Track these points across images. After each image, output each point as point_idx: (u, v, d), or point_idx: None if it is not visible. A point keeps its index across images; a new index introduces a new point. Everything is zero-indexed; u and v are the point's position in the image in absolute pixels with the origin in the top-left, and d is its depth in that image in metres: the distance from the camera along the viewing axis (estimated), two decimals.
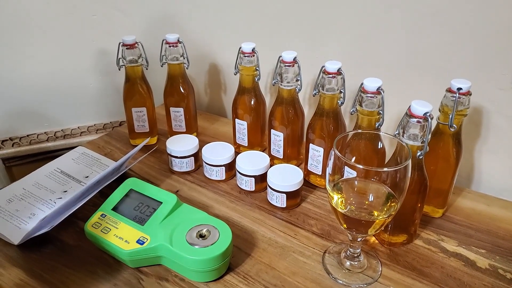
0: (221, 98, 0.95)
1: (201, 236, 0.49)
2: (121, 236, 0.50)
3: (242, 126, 0.74)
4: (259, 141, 0.77)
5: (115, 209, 0.54)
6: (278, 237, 0.57)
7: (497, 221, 0.59)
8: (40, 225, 0.51)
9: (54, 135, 0.96)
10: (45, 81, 0.90)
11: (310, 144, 0.65)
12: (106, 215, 0.53)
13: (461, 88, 0.51)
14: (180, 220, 0.52)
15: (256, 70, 0.70)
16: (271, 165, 0.65)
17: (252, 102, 0.72)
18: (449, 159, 0.56)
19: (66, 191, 0.63)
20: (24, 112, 0.92)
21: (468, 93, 0.52)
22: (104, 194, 0.59)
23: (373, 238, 0.56)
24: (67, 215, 0.52)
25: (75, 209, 0.54)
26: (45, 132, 0.95)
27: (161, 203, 0.53)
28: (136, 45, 0.71)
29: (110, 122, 0.99)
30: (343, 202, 0.47)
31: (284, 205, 0.61)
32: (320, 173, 0.66)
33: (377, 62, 0.70)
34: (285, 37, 0.78)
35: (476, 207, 0.62)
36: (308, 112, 0.80)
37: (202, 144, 0.71)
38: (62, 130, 0.96)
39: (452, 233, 0.57)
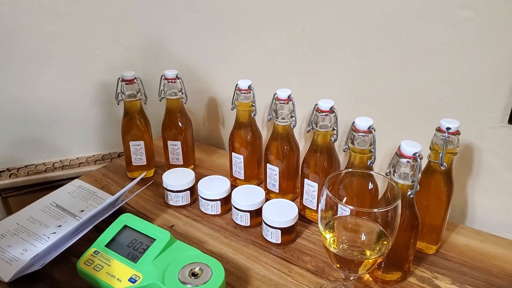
0: (219, 130, 0.96)
1: (194, 274, 0.49)
2: (113, 274, 0.50)
3: (238, 159, 0.75)
4: (255, 174, 0.77)
5: (108, 245, 0.54)
6: (272, 275, 0.56)
7: (491, 258, 0.59)
8: (31, 263, 0.51)
9: (53, 166, 0.96)
10: (45, 112, 0.92)
11: (305, 179, 0.65)
12: (99, 252, 0.53)
13: (450, 128, 0.52)
14: (173, 258, 0.52)
15: (252, 106, 0.71)
16: (267, 199, 0.66)
17: (249, 137, 0.73)
18: (440, 197, 0.56)
19: (60, 226, 0.63)
20: (23, 142, 0.93)
21: (457, 133, 0.53)
22: (99, 229, 0.59)
23: (367, 276, 0.56)
24: (60, 252, 0.52)
25: (68, 246, 0.54)
26: (43, 163, 0.96)
27: (155, 240, 0.54)
28: (135, 80, 0.73)
29: (109, 153, 1.00)
30: (335, 241, 0.47)
31: (279, 241, 0.61)
32: (315, 208, 0.66)
33: (370, 100, 0.71)
34: (281, 73, 0.80)
35: (470, 244, 0.62)
36: (304, 146, 0.81)
37: (199, 176, 0.72)
38: (60, 161, 0.97)
39: (446, 270, 0.57)
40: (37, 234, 0.61)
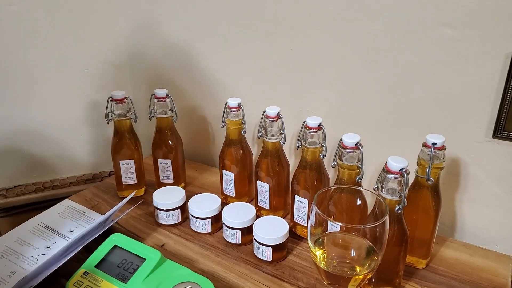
0: (210, 147, 0.97)
1: None
2: None
3: (229, 177, 0.75)
4: (246, 191, 0.78)
5: (98, 266, 0.54)
6: None
7: (480, 271, 0.60)
8: (19, 285, 0.50)
9: (42, 186, 0.95)
10: (34, 132, 0.91)
11: (295, 195, 0.66)
12: (88, 273, 0.53)
13: (435, 143, 0.53)
14: (163, 277, 0.51)
15: (242, 123, 0.72)
16: (258, 216, 0.66)
17: (239, 154, 0.74)
18: (428, 211, 0.57)
19: (49, 247, 0.63)
20: (12, 162, 0.92)
21: (443, 148, 0.54)
22: (89, 249, 0.58)
23: None
24: (48, 273, 0.51)
25: (57, 267, 0.53)
26: (33, 183, 0.95)
27: (145, 259, 0.53)
28: (125, 100, 0.73)
29: (100, 173, 1.00)
30: (325, 257, 0.47)
31: (270, 259, 0.61)
32: (306, 224, 0.66)
33: (358, 117, 0.72)
34: (270, 91, 0.81)
35: (460, 257, 0.63)
36: (294, 163, 0.81)
37: (189, 194, 0.72)
38: (50, 180, 0.96)
39: (436, 284, 0.57)
40: (26, 256, 0.60)
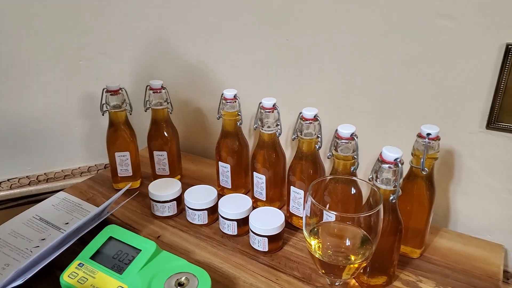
0: (206, 139, 0.96)
1: (180, 284, 0.49)
2: (98, 286, 0.50)
3: (225, 169, 0.75)
4: (243, 183, 0.78)
5: (93, 257, 0.54)
6: (260, 283, 0.56)
7: (473, 260, 0.60)
8: (12, 277, 0.50)
9: (37, 179, 0.95)
10: (29, 124, 0.91)
11: (291, 186, 0.66)
12: (83, 264, 0.53)
13: (430, 134, 0.54)
14: (159, 268, 0.51)
15: (238, 115, 0.72)
16: (254, 207, 0.66)
17: (235, 146, 0.74)
18: (423, 201, 0.57)
19: (44, 239, 0.62)
20: (6, 155, 0.92)
21: (437, 138, 0.55)
22: (84, 241, 0.58)
23: (353, 281, 0.57)
24: (42, 266, 0.51)
25: (51, 259, 0.53)
26: (27, 176, 0.94)
27: (140, 250, 0.53)
28: (120, 91, 0.73)
29: (95, 165, 1.00)
30: (320, 247, 0.48)
31: (266, 249, 0.62)
32: (302, 215, 0.67)
33: (354, 107, 0.72)
34: (266, 82, 0.81)
35: (453, 247, 0.63)
36: (290, 154, 0.81)
37: (185, 187, 0.71)
38: (45, 173, 0.96)
39: (430, 273, 0.58)
40: (20, 248, 0.60)
